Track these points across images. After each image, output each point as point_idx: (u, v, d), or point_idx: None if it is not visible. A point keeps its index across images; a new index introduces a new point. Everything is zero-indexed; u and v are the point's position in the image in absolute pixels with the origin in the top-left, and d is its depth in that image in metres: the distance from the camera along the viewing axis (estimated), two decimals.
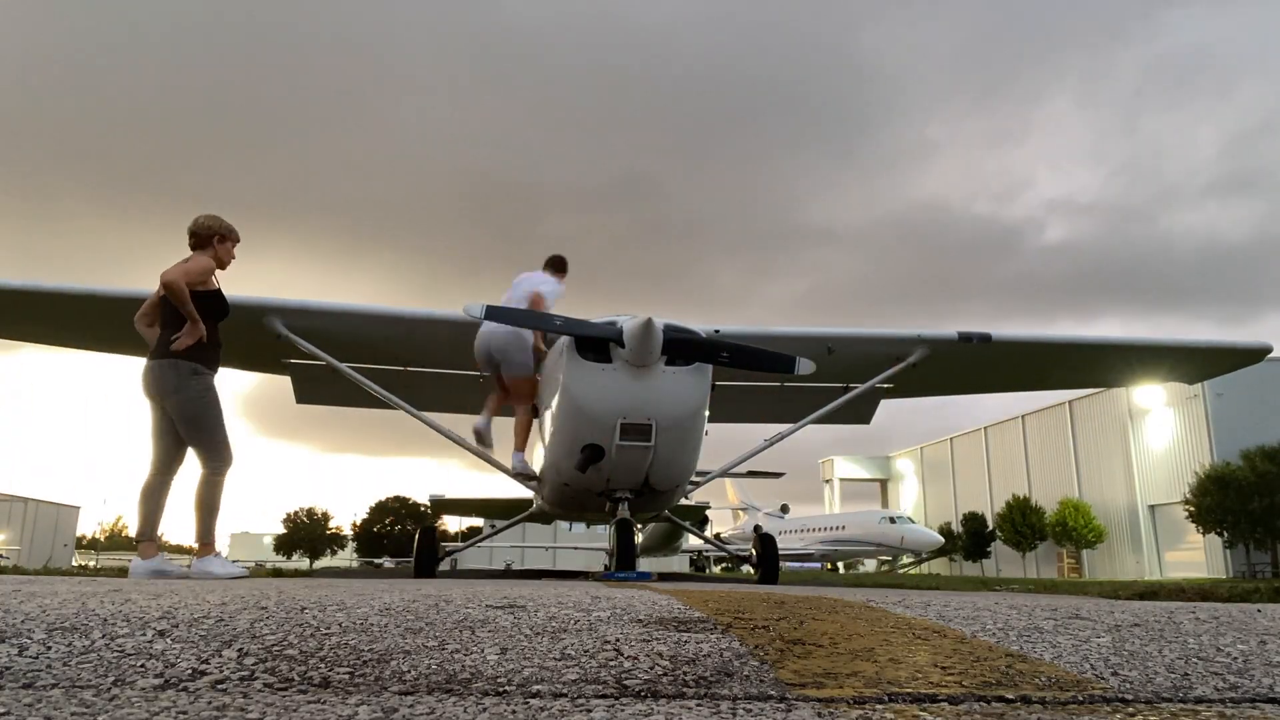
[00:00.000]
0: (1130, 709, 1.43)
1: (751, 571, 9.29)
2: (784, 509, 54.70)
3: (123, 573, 7.07)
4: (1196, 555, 35.32)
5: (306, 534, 64.66)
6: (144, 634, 1.73)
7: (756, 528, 11.66)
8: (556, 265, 8.25)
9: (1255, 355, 9.51)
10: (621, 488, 7.01)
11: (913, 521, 45.35)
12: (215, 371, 6.04)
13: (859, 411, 10.34)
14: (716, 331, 7.32)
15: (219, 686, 1.42)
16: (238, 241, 6.15)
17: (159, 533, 5.86)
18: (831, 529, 47.56)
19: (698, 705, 1.38)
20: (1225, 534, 30.13)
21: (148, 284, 6.31)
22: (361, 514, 66.89)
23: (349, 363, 8.37)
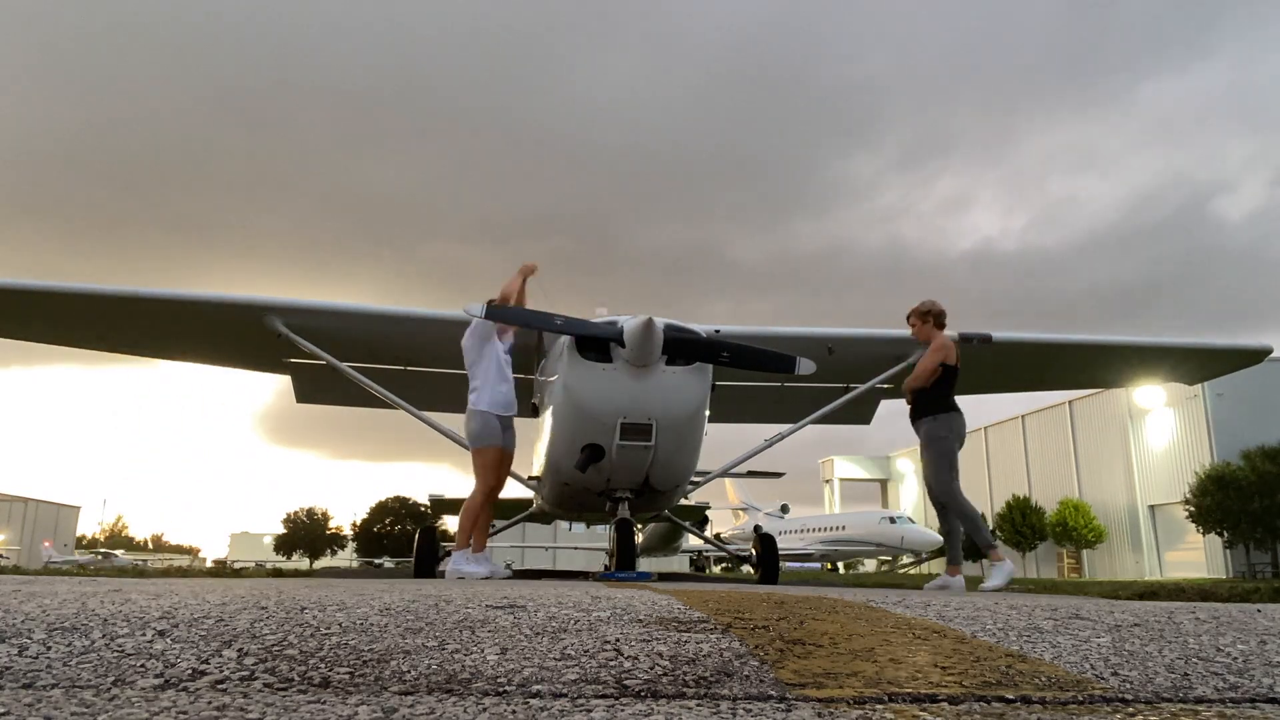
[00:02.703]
0: (1130, 709, 1.43)
1: (751, 571, 9.28)
2: (784, 509, 54.64)
3: (122, 572, 7.06)
4: (1196, 555, 35.30)
5: (306, 534, 64.66)
6: (144, 634, 1.73)
7: (756, 528, 11.65)
8: None
9: (1256, 356, 9.52)
10: (621, 487, 7.01)
11: (913, 521, 45.29)
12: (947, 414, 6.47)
13: (859, 411, 10.34)
14: (716, 331, 7.32)
15: (219, 686, 1.42)
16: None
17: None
18: (831, 529, 47.51)
19: (698, 705, 1.38)
20: (1225, 534, 30.09)
21: None
22: (361, 515, 66.88)
23: (349, 362, 8.38)
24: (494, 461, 6.70)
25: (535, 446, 8.41)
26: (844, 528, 46.56)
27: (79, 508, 75.85)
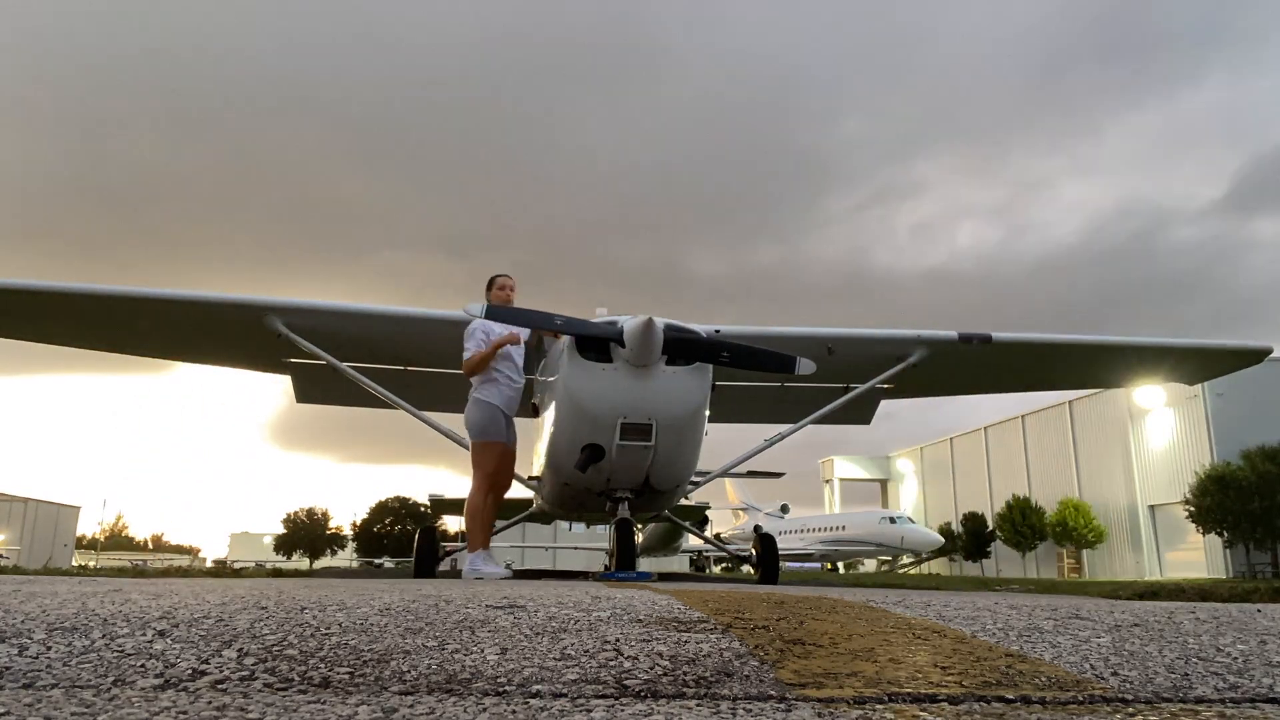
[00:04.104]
0: (1130, 709, 1.43)
1: (751, 571, 9.28)
2: (784, 509, 54.64)
3: (122, 572, 7.07)
4: (1196, 555, 35.29)
5: (306, 534, 64.66)
6: (144, 634, 1.73)
7: (756, 528, 11.65)
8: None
9: (1256, 356, 9.52)
10: (622, 487, 7.01)
11: (913, 521, 45.30)
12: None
13: (859, 411, 10.33)
14: (717, 331, 7.32)
15: (219, 686, 1.42)
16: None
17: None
18: (831, 529, 47.53)
19: (698, 705, 1.38)
20: (1225, 534, 30.09)
21: None
22: (361, 515, 66.88)
23: (349, 362, 8.38)
24: (498, 457, 6.68)
25: (535, 447, 8.41)
26: (844, 528, 46.57)
27: (79, 508, 75.66)
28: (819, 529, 48.76)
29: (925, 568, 45.42)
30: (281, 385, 9.58)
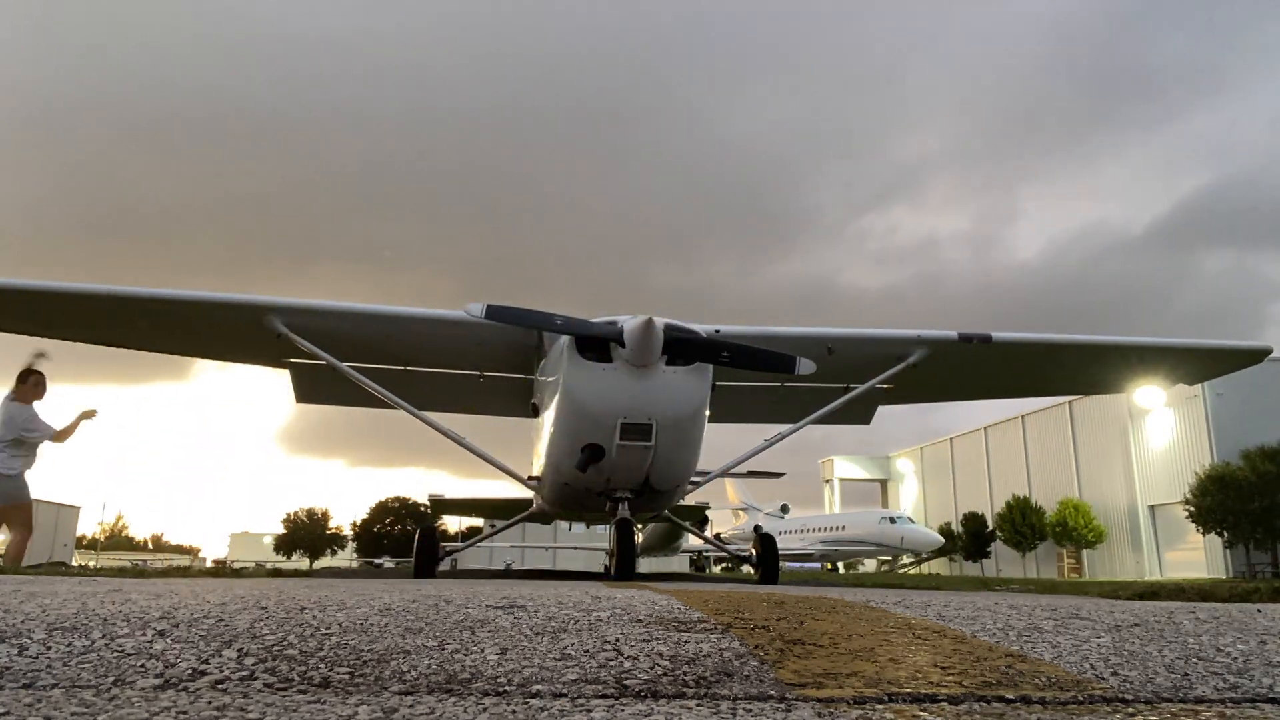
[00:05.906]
0: (1130, 709, 1.43)
1: (751, 571, 9.29)
2: (784, 509, 54.63)
3: (122, 572, 7.08)
4: (1196, 555, 35.29)
5: (306, 534, 64.70)
6: (144, 634, 1.73)
7: (756, 528, 11.66)
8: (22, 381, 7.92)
9: (1256, 356, 9.53)
10: (621, 487, 7.02)
11: (913, 521, 45.28)
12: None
13: (859, 412, 10.34)
14: (717, 331, 7.32)
15: (219, 686, 1.42)
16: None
17: None
18: (831, 529, 47.53)
19: (698, 705, 1.38)
20: (1225, 534, 30.08)
21: None
22: (361, 515, 66.87)
23: (349, 362, 8.38)
24: None
25: (535, 447, 8.41)
26: (844, 528, 46.56)
27: (79, 508, 75.55)
28: (819, 529, 48.74)
29: (925, 568, 45.41)
30: (282, 387, 9.59)
